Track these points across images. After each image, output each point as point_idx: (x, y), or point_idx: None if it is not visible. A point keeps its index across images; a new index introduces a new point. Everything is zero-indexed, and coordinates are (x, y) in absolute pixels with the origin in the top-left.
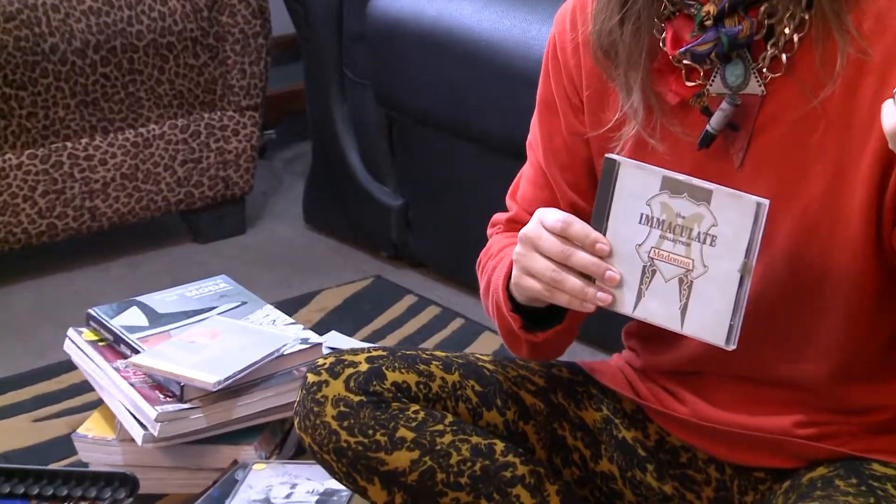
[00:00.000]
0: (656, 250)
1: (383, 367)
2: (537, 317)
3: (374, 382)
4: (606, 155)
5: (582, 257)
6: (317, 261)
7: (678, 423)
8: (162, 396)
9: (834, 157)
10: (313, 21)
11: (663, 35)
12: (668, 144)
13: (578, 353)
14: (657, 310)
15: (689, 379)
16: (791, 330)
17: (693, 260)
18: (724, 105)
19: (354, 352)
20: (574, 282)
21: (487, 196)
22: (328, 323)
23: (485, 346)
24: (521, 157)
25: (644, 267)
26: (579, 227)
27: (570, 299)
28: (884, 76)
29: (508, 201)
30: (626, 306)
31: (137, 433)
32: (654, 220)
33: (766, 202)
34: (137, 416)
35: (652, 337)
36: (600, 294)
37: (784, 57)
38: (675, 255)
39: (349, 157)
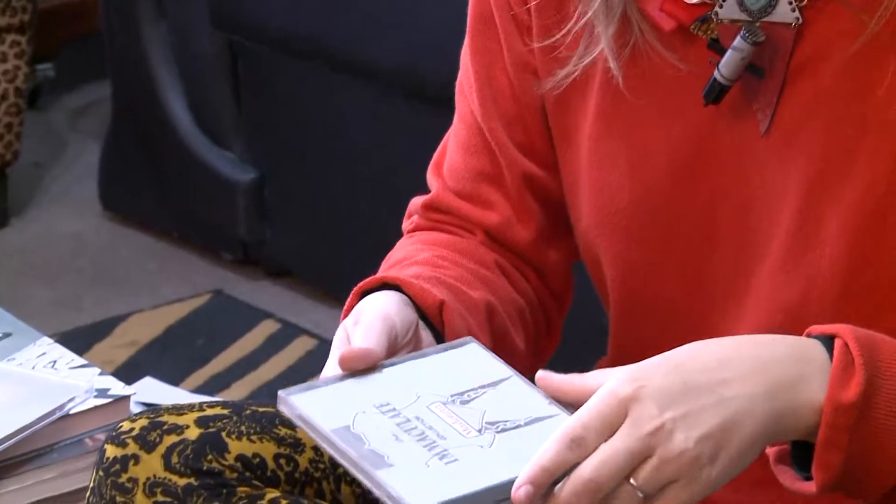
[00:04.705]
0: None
1: (223, 433)
2: None
3: (210, 456)
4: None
5: None
6: (123, 269)
7: None
8: None
9: None
10: None
11: None
12: (653, 88)
13: None
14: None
15: None
16: None
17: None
18: (738, 42)
19: (179, 409)
20: None
21: (393, 166)
22: (141, 364)
23: None
24: (444, 106)
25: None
26: None
27: None
28: None
29: (430, 177)
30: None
31: None
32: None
33: None
34: None
35: None
36: None
37: None
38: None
39: (170, 107)
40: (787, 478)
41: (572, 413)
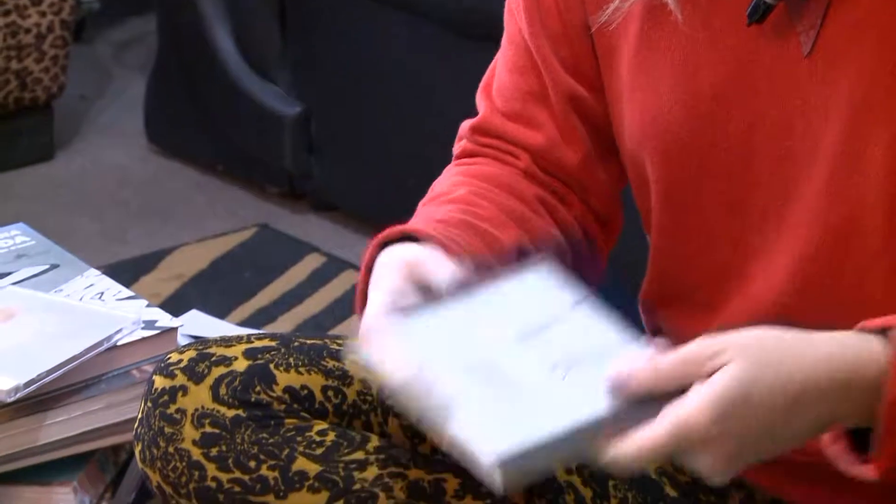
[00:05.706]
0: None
1: (271, 365)
2: None
3: (258, 388)
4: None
5: None
6: (168, 202)
7: None
8: None
9: None
10: None
11: None
12: (699, 10)
13: None
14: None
15: None
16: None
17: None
18: None
19: (227, 341)
20: None
21: (438, 99)
22: (187, 297)
23: None
24: (490, 40)
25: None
26: None
27: None
28: None
29: (479, 98)
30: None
31: None
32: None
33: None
34: None
35: (689, 296)
36: None
37: None
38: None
39: (216, 39)
40: (844, 461)
41: (641, 345)
